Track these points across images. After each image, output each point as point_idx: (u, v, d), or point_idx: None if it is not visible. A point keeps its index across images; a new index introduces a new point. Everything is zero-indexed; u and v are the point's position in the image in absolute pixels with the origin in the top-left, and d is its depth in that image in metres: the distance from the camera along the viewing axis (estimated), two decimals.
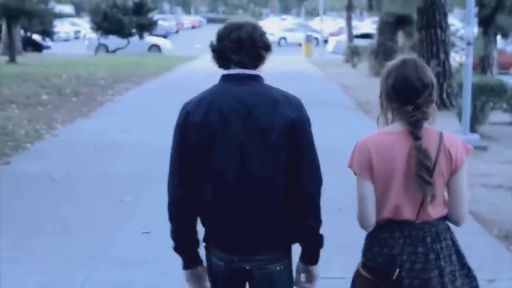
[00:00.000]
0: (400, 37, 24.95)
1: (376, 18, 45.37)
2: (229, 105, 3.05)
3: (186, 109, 3.12)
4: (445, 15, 16.14)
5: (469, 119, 11.79)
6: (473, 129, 12.14)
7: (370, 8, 23.84)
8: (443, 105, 15.90)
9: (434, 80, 3.09)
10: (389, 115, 3.13)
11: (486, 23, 19.28)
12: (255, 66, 3.14)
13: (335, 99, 18.26)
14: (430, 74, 3.09)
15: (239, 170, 3.04)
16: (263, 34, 3.15)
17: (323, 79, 24.46)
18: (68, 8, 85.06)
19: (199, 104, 3.10)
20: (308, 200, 3.09)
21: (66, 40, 57.02)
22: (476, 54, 18.37)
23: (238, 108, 3.04)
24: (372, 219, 3.10)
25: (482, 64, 19.87)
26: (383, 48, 24.83)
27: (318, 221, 3.14)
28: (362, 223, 3.13)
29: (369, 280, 3.09)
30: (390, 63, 3.13)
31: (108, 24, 37.11)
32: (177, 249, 3.23)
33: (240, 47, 3.09)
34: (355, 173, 3.11)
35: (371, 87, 21.11)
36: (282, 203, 3.07)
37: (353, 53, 30.51)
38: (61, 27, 60.08)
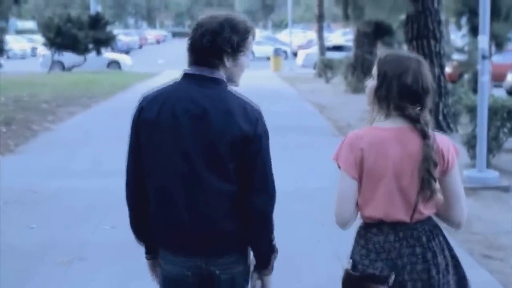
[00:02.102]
0: (379, 49, 22.61)
1: (347, 29, 43.26)
2: (183, 105, 2.90)
3: (142, 104, 2.99)
4: (439, 23, 13.65)
5: (485, 152, 9.41)
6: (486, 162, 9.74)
7: (346, 17, 21.40)
8: (439, 128, 13.50)
9: None
10: (384, 110, 2.99)
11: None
12: (214, 67, 2.93)
13: (312, 122, 15.75)
14: None
15: (184, 173, 2.90)
16: (218, 36, 2.89)
17: (296, 97, 21.98)
18: (30, 24, 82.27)
19: (155, 100, 2.96)
20: (258, 211, 2.94)
21: (23, 57, 54.06)
22: (471, 66, 16.11)
23: (191, 109, 2.88)
24: (349, 218, 3.02)
25: (475, 78, 17.49)
26: (361, 62, 22.47)
27: (268, 231, 3.02)
28: (339, 220, 3.03)
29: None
30: (402, 58, 3.01)
31: (62, 39, 34.26)
32: (137, 239, 3.18)
33: (192, 51, 2.97)
34: (339, 167, 2.99)
35: (350, 107, 18.69)
36: (232, 210, 2.94)
37: (326, 67, 28.08)
38: (18, 44, 57.28)
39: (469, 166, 10.26)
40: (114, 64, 38.58)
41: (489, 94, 10.11)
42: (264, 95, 21.29)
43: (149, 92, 3.04)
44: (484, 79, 9.27)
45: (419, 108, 2.94)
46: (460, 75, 22.57)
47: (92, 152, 11.78)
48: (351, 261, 3.05)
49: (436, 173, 2.92)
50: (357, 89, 21.74)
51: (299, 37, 59.33)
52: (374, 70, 3.05)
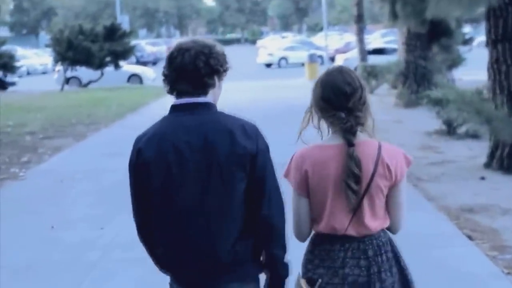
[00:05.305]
0: (435, 53, 18.80)
1: (386, 30, 39.21)
2: (182, 138, 2.89)
3: (138, 146, 2.96)
4: None
5: None
6: None
7: (394, 16, 17.66)
8: None
9: (363, 83, 3.01)
10: (326, 126, 3.04)
11: None
12: (203, 93, 2.95)
13: None
14: (356, 77, 3.01)
15: (197, 205, 2.88)
16: (210, 57, 2.93)
17: None
18: None
19: (152, 139, 2.93)
20: (269, 225, 2.93)
21: (44, 73, 51.14)
22: None
23: (191, 140, 2.89)
24: (305, 232, 3.09)
25: None
26: (414, 70, 18.62)
27: (282, 249, 3.00)
28: (297, 236, 3.11)
29: None
30: (320, 76, 3.10)
31: (74, 53, 31.10)
32: (161, 270, 3.14)
33: (182, 76, 2.93)
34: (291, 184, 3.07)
35: (406, 127, 14.90)
36: (241, 234, 2.92)
37: (369, 75, 24.27)
38: (38, 59, 54.55)
39: None
40: (135, 77, 35.29)
41: None
42: (294, 114, 17.64)
43: (143, 133, 2.99)
44: None
45: (344, 113, 2.93)
46: None
47: (50, 221, 8.23)
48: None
49: (383, 187, 2.96)
50: (410, 102, 17.92)
51: (336, 40, 55.42)
52: None
